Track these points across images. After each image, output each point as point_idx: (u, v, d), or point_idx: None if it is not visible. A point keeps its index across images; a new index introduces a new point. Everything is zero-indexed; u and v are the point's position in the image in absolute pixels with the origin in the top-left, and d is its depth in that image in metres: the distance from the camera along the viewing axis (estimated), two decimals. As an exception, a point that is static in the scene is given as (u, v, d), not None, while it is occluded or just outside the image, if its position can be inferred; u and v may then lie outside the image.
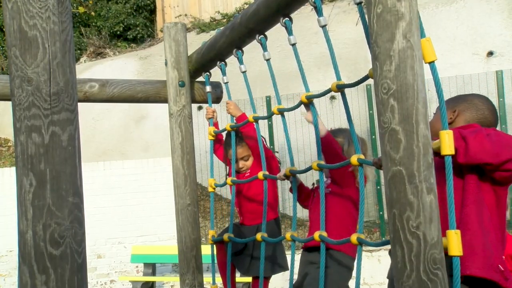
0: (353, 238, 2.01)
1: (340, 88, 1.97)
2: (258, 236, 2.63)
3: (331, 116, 9.10)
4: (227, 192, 9.59)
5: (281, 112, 2.42)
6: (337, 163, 2.31)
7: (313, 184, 3.40)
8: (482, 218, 2.18)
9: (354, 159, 2.00)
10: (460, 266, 2.14)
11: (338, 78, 1.97)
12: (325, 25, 2.01)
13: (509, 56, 9.34)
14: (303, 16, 10.22)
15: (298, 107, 2.31)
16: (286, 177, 2.64)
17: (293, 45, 2.23)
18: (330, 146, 2.85)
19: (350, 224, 2.98)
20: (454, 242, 1.56)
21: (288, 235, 2.39)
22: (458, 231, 1.60)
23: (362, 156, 2.00)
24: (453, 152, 1.59)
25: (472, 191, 2.18)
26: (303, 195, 3.27)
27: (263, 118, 2.61)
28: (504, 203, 2.27)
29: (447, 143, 1.59)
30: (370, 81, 1.70)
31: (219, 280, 3.52)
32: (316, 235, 2.20)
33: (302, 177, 3.20)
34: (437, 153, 1.60)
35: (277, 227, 3.58)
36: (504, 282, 2.14)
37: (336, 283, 2.95)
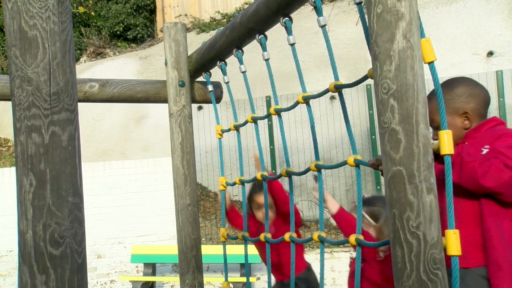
0: (351, 239, 2.01)
1: (338, 88, 1.97)
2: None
3: (331, 116, 9.11)
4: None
5: (278, 112, 2.42)
6: (335, 164, 2.27)
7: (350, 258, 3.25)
8: (503, 231, 2.17)
9: (350, 160, 1.99)
10: (491, 285, 2.17)
11: (336, 78, 1.98)
12: (324, 25, 2.01)
13: (509, 56, 9.34)
14: (303, 16, 10.23)
15: (294, 107, 2.31)
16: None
17: (292, 45, 2.23)
18: (345, 223, 2.80)
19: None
20: (453, 242, 1.57)
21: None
22: (457, 231, 1.61)
23: (359, 157, 2.00)
24: (452, 152, 1.59)
25: (488, 206, 2.18)
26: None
27: (261, 118, 2.60)
28: None
29: (446, 143, 1.59)
30: (370, 81, 1.70)
31: (218, 280, 3.50)
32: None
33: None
34: (437, 155, 1.60)
35: (309, 273, 3.56)
36: None
37: None
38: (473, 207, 2.18)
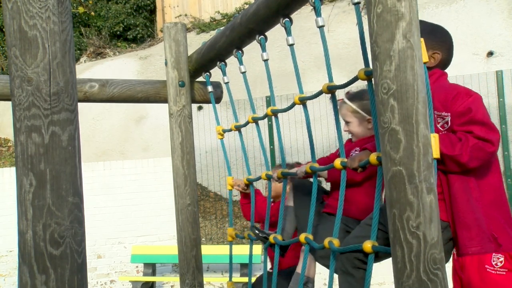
0: (367, 245, 1.99)
1: (331, 89, 1.98)
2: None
3: (331, 116, 9.09)
4: (227, 192, 9.59)
5: (275, 113, 2.43)
6: (326, 166, 2.24)
7: None
8: (470, 195, 2.19)
9: (337, 163, 1.99)
10: (460, 246, 2.21)
11: (330, 79, 1.98)
12: (322, 26, 2.02)
13: (509, 56, 9.34)
14: (303, 16, 10.23)
15: (291, 108, 2.32)
16: (279, 179, 2.60)
17: (291, 45, 2.23)
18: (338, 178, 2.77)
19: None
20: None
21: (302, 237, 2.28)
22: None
23: (345, 160, 2.00)
24: (438, 157, 1.60)
25: (455, 176, 2.19)
26: None
27: (261, 118, 2.61)
28: (494, 169, 2.27)
29: (433, 148, 1.58)
30: (364, 80, 1.71)
31: (219, 280, 3.48)
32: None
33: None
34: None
35: None
36: (498, 248, 2.21)
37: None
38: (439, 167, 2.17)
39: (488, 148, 2.14)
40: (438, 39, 2.41)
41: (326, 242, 2.04)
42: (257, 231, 2.80)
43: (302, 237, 2.26)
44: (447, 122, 2.22)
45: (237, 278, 7.34)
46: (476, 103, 2.21)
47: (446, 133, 2.20)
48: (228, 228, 2.94)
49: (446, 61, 2.45)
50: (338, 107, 2.81)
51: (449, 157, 2.11)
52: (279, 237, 2.52)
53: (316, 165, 2.20)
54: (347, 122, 2.90)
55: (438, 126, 2.21)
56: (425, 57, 1.55)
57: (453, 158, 2.12)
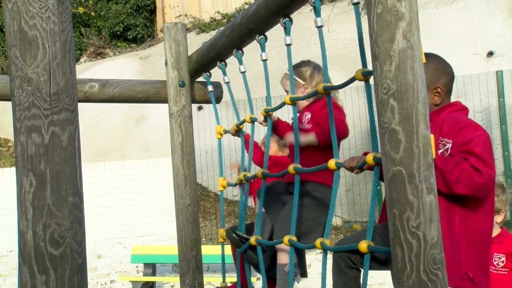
0: (362, 245, 1.99)
1: (327, 90, 1.98)
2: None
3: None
4: (227, 192, 9.59)
5: (267, 112, 2.47)
6: (314, 167, 2.25)
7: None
8: (453, 226, 2.16)
9: (332, 163, 1.99)
10: None
11: (326, 80, 1.99)
12: (321, 26, 2.02)
13: (509, 56, 9.34)
14: (303, 16, 10.24)
15: (280, 107, 2.36)
16: (264, 119, 2.64)
17: (288, 45, 2.23)
18: (327, 134, 2.79)
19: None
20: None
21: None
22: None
23: (340, 161, 2.00)
24: (434, 157, 1.59)
25: (442, 199, 2.17)
26: (281, 131, 3.15)
27: (256, 120, 2.66)
28: (484, 212, 2.23)
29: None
30: (370, 80, 1.71)
31: (228, 279, 3.46)
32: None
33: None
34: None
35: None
36: (473, 286, 2.15)
37: (314, 212, 2.89)
38: None
39: (478, 178, 2.10)
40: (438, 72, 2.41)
41: (318, 243, 2.04)
42: (234, 235, 2.85)
43: (285, 239, 2.29)
44: (447, 150, 2.21)
45: (235, 278, 7.33)
46: (480, 138, 2.19)
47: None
48: (220, 229, 2.95)
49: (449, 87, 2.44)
50: (281, 82, 3.08)
51: (440, 170, 2.08)
52: (260, 238, 2.55)
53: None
54: (286, 92, 3.04)
55: (438, 151, 2.21)
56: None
57: (443, 172, 2.09)
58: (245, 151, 2.93)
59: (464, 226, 2.18)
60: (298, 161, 2.24)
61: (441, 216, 2.12)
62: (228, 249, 3.50)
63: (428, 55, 2.40)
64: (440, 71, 2.38)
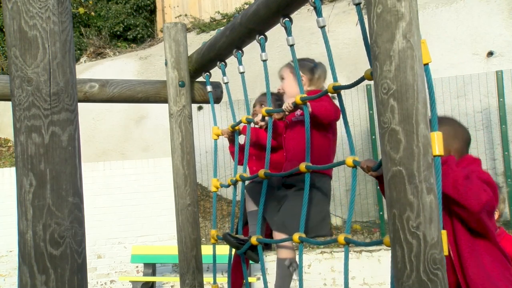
0: (340, 238, 2.03)
1: (337, 89, 1.99)
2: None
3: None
4: (227, 192, 9.59)
5: (269, 114, 2.49)
6: (327, 165, 2.29)
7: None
8: (482, 261, 2.17)
9: (349, 161, 2.00)
10: None
11: (335, 79, 1.99)
12: (324, 26, 2.02)
13: (509, 56, 9.34)
14: (302, 16, 10.23)
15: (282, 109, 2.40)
16: (263, 118, 2.68)
17: (291, 46, 2.23)
18: (323, 110, 2.82)
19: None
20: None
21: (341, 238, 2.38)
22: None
23: (357, 158, 2.02)
24: (442, 153, 1.58)
25: (465, 239, 2.17)
26: (278, 131, 3.21)
27: (253, 120, 2.68)
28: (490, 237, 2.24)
29: (437, 144, 1.58)
30: (370, 81, 1.71)
31: (219, 280, 3.48)
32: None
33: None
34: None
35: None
36: None
37: (320, 205, 2.95)
38: (446, 225, 2.15)
39: (487, 196, 2.12)
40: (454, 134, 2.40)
41: (341, 238, 2.15)
42: (231, 238, 2.88)
43: (295, 237, 2.32)
44: None
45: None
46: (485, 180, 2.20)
47: None
48: (211, 230, 2.97)
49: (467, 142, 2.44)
50: (280, 70, 3.16)
51: (452, 173, 2.09)
52: (260, 237, 2.59)
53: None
54: (282, 79, 3.16)
55: None
56: (424, 59, 1.54)
57: (454, 175, 2.10)
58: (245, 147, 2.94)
59: (490, 256, 2.20)
60: (309, 159, 2.26)
61: (470, 260, 2.12)
62: (220, 249, 3.50)
63: (441, 120, 2.42)
64: (451, 137, 2.35)
